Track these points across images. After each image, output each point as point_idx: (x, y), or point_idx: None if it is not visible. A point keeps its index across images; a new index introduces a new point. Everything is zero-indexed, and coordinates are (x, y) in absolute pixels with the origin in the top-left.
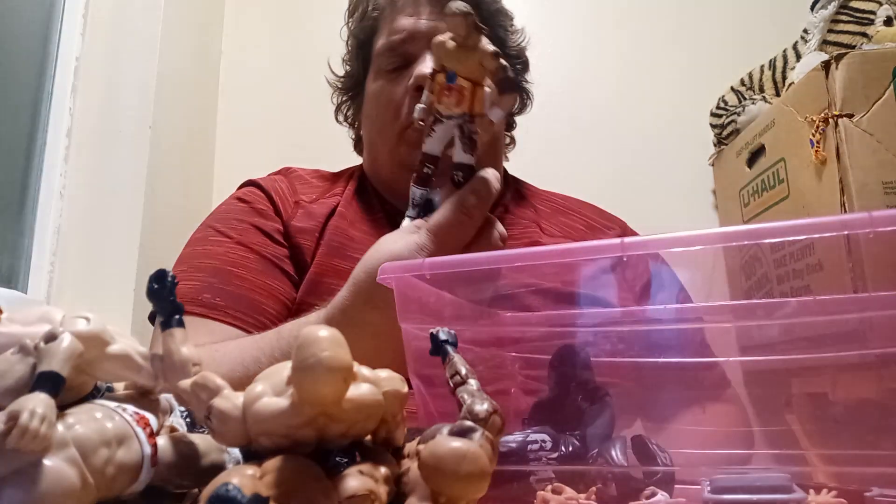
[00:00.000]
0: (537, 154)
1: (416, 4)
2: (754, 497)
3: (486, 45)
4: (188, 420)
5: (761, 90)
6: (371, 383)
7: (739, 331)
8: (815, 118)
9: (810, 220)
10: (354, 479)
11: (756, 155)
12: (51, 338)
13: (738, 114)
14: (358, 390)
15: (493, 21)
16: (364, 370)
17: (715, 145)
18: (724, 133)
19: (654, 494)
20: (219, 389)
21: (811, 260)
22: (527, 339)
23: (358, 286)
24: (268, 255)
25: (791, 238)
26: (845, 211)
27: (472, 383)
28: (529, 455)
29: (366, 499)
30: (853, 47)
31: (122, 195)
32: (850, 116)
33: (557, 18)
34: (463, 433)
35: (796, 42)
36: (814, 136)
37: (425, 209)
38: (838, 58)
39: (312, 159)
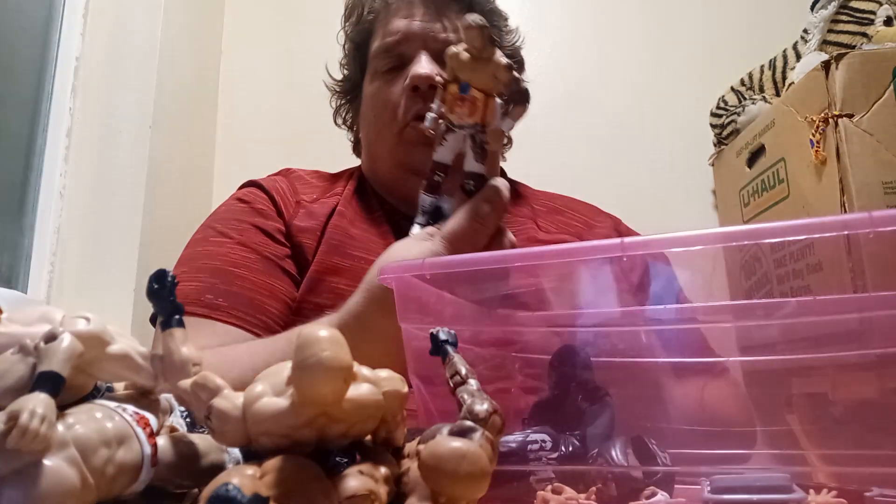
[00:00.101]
0: (536, 154)
1: (409, 6)
2: (754, 497)
3: (500, 57)
4: (188, 420)
5: (761, 90)
6: (371, 383)
7: (739, 331)
8: (815, 118)
9: (810, 220)
10: (354, 479)
11: (756, 155)
12: (51, 338)
13: (738, 114)
14: (358, 390)
15: (487, 21)
16: (364, 370)
17: (715, 145)
18: (724, 133)
19: (654, 494)
20: (219, 389)
21: (811, 260)
22: (527, 339)
23: (371, 292)
24: (269, 255)
25: (791, 238)
26: (845, 211)
27: (472, 383)
28: (529, 455)
29: (366, 499)
30: (853, 47)
31: (122, 195)
32: (850, 116)
33: (557, 18)
34: (463, 433)
35: (796, 42)
36: (814, 136)
37: (434, 216)
38: (838, 58)
39: (312, 159)
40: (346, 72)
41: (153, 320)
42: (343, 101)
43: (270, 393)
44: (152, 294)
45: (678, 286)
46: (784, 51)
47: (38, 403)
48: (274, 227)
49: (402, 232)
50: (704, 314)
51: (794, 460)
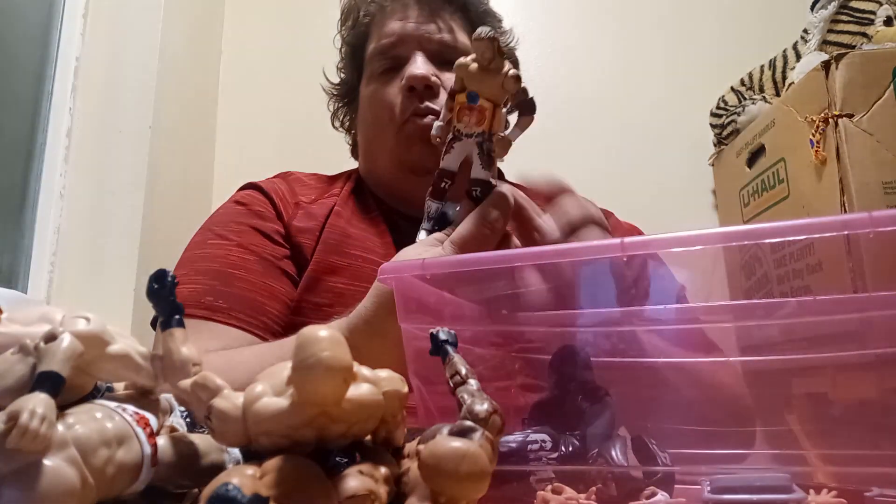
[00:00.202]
0: (536, 154)
1: (404, 9)
2: (754, 497)
3: (509, 68)
4: (188, 420)
5: (761, 90)
6: (371, 383)
7: (739, 331)
8: (815, 118)
9: (810, 220)
10: (354, 479)
11: (756, 155)
12: (51, 338)
13: (738, 114)
14: (358, 390)
15: (481, 22)
16: (364, 370)
17: (715, 145)
18: (724, 133)
19: (654, 494)
20: (219, 389)
21: (811, 260)
22: (527, 339)
23: (381, 296)
24: (268, 257)
25: (791, 238)
26: (845, 211)
27: (472, 383)
28: (529, 455)
29: (366, 499)
30: (853, 47)
31: (122, 195)
32: (850, 116)
33: (556, 17)
34: (463, 433)
35: (796, 42)
36: (814, 136)
37: (440, 222)
38: (838, 58)
39: (312, 159)
40: (343, 75)
41: (154, 323)
42: (341, 105)
43: (270, 393)
44: (152, 294)
45: (679, 284)
46: (784, 51)
47: (38, 403)
48: (272, 229)
49: (399, 231)
50: (704, 314)
51: (794, 460)
